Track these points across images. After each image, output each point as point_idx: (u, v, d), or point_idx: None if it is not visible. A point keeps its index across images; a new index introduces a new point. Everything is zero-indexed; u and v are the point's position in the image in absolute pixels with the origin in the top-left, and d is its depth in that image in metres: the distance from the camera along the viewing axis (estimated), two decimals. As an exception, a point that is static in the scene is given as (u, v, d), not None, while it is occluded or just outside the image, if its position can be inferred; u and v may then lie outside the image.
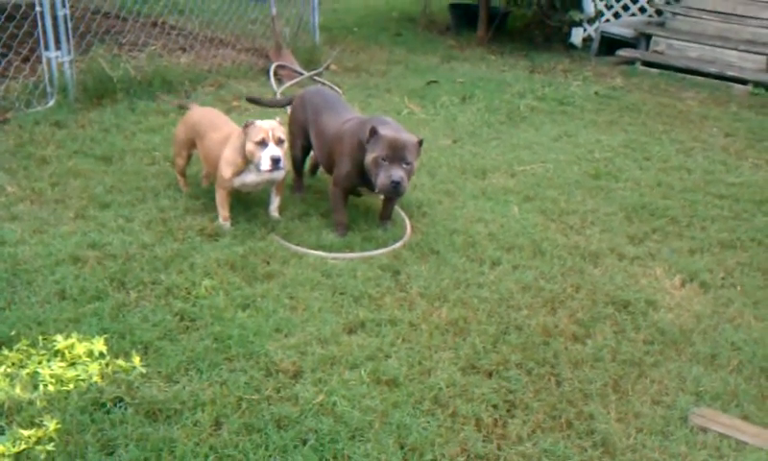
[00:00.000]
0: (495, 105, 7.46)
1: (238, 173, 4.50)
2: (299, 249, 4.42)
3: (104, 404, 3.08)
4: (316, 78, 8.15)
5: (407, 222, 4.85)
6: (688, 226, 5.11)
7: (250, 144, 4.40)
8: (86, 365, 3.27)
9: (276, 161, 4.37)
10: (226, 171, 4.50)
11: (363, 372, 3.38)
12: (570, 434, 3.14)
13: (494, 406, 3.25)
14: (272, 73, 8.05)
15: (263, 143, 4.36)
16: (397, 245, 4.55)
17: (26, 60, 7.00)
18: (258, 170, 4.43)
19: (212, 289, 3.94)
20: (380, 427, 3.07)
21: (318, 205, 5.03)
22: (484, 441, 3.06)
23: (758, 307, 4.19)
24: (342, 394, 3.22)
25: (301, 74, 8.15)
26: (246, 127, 4.43)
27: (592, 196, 5.47)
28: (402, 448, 2.99)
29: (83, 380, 3.18)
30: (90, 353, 3.34)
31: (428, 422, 3.13)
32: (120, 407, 3.07)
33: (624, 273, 4.45)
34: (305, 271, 4.20)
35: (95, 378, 3.20)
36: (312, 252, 4.40)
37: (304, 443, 2.96)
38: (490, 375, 3.46)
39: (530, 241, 4.71)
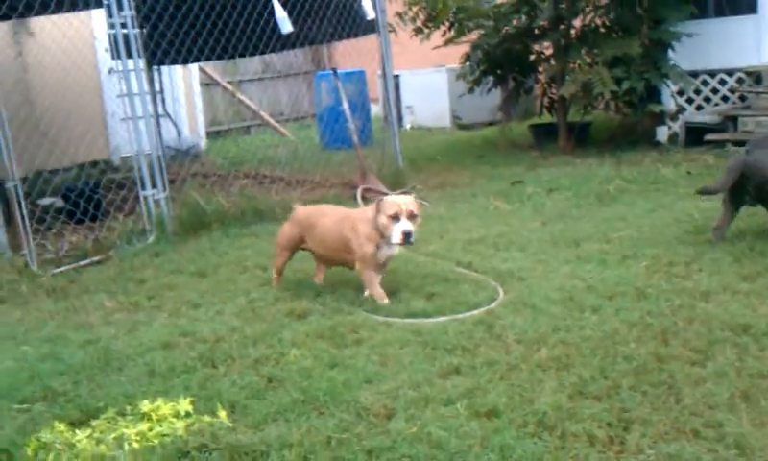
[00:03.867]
0: (583, 192, 7.30)
1: (378, 247, 4.55)
2: (388, 318, 4.29)
3: (187, 453, 2.95)
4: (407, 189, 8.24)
5: (499, 288, 4.67)
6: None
7: (383, 218, 4.46)
8: (172, 423, 3.17)
9: (407, 235, 4.41)
10: (368, 247, 4.55)
11: (459, 406, 3.15)
12: (698, 440, 2.78)
13: (608, 424, 2.94)
14: (359, 195, 8.19)
15: (396, 217, 4.41)
16: (493, 305, 4.36)
17: (124, 199, 7.41)
18: (389, 244, 4.49)
19: (300, 356, 3.83)
20: (480, 451, 2.80)
21: (400, 280, 4.92)
22: (599, 454, 2.74)
23: None
24: (437, 425, 2.99)
25: (387, 194, 8.27)
26: (379, 202, 4.52)
27: (695, 248, 5.15)
28: (507, 466, 2.71)
29: (167, 435, 3.08)
30: (176, 413, 3.25)
31: (534, 442, 2.84)
32: (204, 453, 2.93)
33: (740, 304, 4.09)
34: (395, 333, 4.05)
35: (180, 433, 3.09)
36: (402, 320, 4.26)
37: (398, 468, 2.73)
38: (599, 399, 3.15)
39: (633, 288, 4.42)
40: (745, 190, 5.13)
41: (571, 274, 4.83)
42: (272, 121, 15.47)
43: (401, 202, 4.47)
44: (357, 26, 9.34)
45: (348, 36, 9.65)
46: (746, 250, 4.99)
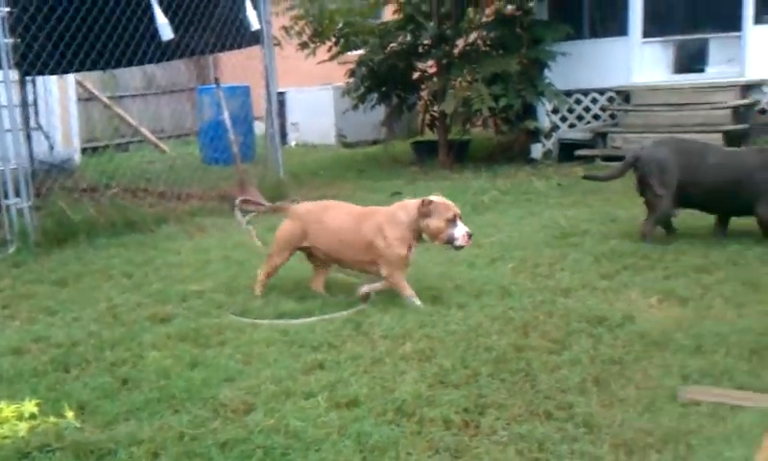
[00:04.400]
0: (459, 202, 7.25)
1: (409, 249, 4.36)
2: (256, 321, 4.20)
3: (29, 453, 2.77)
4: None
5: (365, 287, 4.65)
6: (660, 259, 4.96)
7: (437, 221, 4.25)
8: (15, 425, 2.98)
9: (470, 236, 4.28)
10: (400, 249, 4.32)
11: (320, 398, 3.11)
12: (550, 421, 2.85)
13: (465, 410, 2.98)
14: (237, 207, 8.05)
15: (454, 221, 4.26)
16: (363, 305, 4.34)
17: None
18: (454, 245, 4.27)
19: (160, 358, 3.68)
20: (338, 438, 2.77)
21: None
22: (453, 437, 2.76)
23: (741, 309, 3.99)
24: (296, 416, 2.94)
25: (264, 205, 8.16)
26: (426, 204, 4.28)
27: (560, 250, 5.33)
28: (362, 451, 2.68)
29: (8, 437, 2.88)
30: (20, 416, 3.04)
31: (392, 429, 2.84)
32: (47, 453, 2.76)
33: (597, 299, 4.27)
34: (261, 334, 3.96)
35: (22, 434, 2.90)
36: (269, 322, 4.18)
37: (251, 458, 2.65)
38: (458, 386, 3.18)
39: (498, 287, 4.52)
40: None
41: (441, 275, 4.89)
42: (151, 137, 15.05)
43: (453, 204, 4.36)
44: (241, 37, 9.17)
45: (232, 47, 9.48)
46: (607, 251, 5.20)
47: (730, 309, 3.97)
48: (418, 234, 4.33)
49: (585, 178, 5.81)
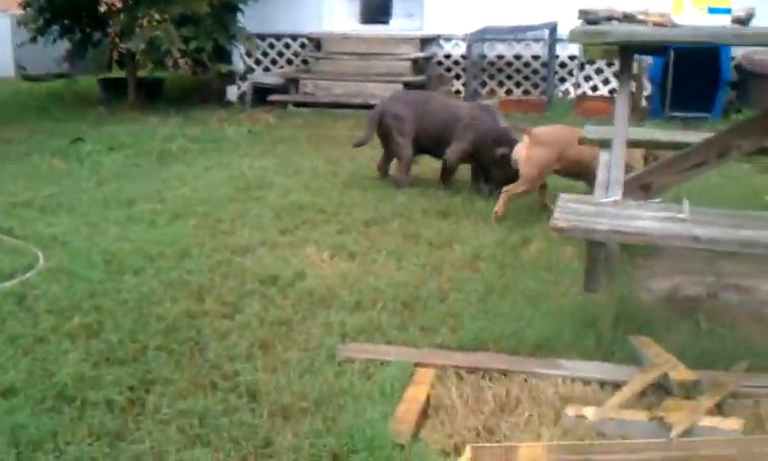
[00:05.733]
0: (145, 150, 7.19)
1: None
2: None
3: None
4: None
5: (40, 255, 4.38)
6: (336, 213, 5.25)
7: None
8: None
9: None
10: None
11: (-31, 392, 2.89)
12: (214, 393, 2.94)
13: (131, 388, 2.96)
14: None
15: None
16: (28, 274, 4.07)
17: None
18: None
19: None
20: (-11, 435, 2.61)
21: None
22: (116, 419, 2.75)
23: (401, 261, 4.36)
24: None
25: None
26: None
27: (243, 204, 5.42)
28: (17, 447, 2.57)
29: None
30: None
31: (51, 417, 2.74)
32: None
33: (273, 257, 4.42)
34: None
35: None
36: None
37: None
38: (125, 363, 3.15)
39: (177, 249, 4.48)
40: None
41: (119, 236, 4.73)
42: None
43: None
44: None
45: None
46: (287, 205, 5.39)
47: (391, 262, 4.34)
48: None
49: (355, 146, 6.34)
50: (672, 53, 8.67)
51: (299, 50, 10.99)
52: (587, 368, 3.09)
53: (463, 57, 10.09)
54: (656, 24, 3.50)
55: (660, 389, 2.91)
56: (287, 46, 11.03)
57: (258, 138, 7.96)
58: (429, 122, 5.86)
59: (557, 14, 9.68)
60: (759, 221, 3.02)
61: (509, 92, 10.49)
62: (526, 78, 10.45)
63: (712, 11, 3.37)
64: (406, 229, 4.94)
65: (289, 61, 11.08)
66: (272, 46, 11.03)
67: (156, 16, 9.71)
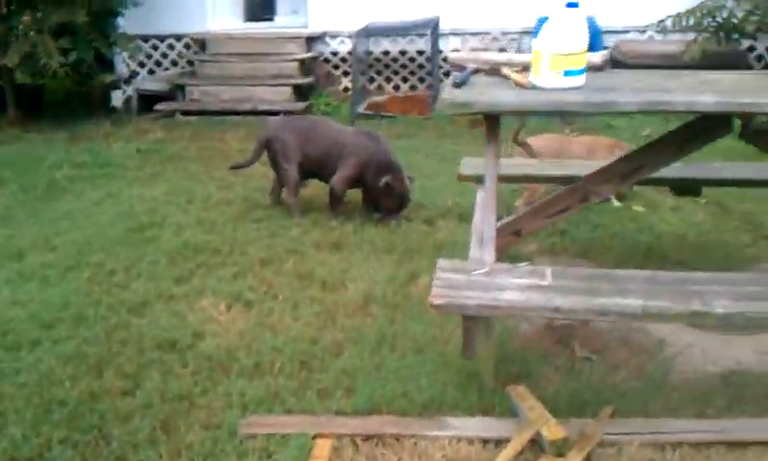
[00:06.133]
0: (31, 183, 7.04)
1: None
2: None
3: None
4: None
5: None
6: (231, 253, 5.35)
7: None
8: None
9: None
10: None
11: None
12: (119, 490, 3.06)
13: (37, 493, 3.04)
14: None
15: None
16: None
17: None
18: None
19: None
20: None
21: None
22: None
23: (297, 309, 4.53)
24: None
25: None
26: None
27: (136, 249, 5.44)
28: None
29: None
30: None
31: None
32: None
33: (170, 314, 4.49)
34: None
35: None
36: None
37: None
38: (30, 461, 3.22)
39: (73, 312, 4.47)
40: None
41: (13, 298, 4.70)
42: None
43: None
44: None
45: None
46: (182, 246, 5.45)
47: (287, 311, 4.49)
48: None
49: (231, 169, 6.52)
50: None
51: (183, 51, 10.86)
52: (470, 425, 3.36)
53: (350, 53, 10.23)
54: (517, 84, 3.76)
55: (536, 445, 3.24)
56: (171, 47, 10.89)
57: (147, 158, 7.91)
58: (314, 148, 6.03)
59: (438, 10, 9.95)
60: (615, 283, 3.35)
61: (396, 88, 10.74)
62: (412, 73, 10.71)
63: (568, 73, 3.60)
64: (300, 267, 5.10)
65: (174, 63, 10.93)
66: (155, 48, 10.86)
67: (32, 27, 9.39)
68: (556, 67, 3.55)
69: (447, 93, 3.65)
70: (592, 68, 4.06)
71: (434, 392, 3.59)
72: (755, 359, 3.95)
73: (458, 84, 3.76)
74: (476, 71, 4.07)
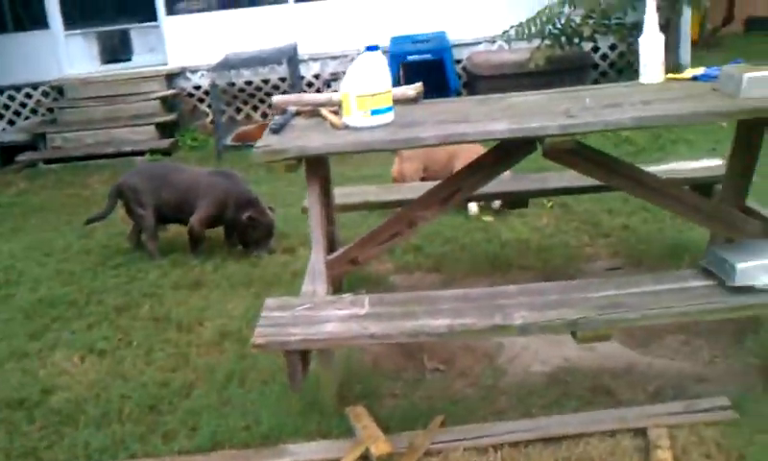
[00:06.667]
0: None
1: None
2: None
3: None
4: None
5: None
6: (87, 303, 5.38)
7: None
8: None
9: None
10: None
11: None
12: None
13: None
14: None
15: None
16: None
17: None
18: None
19: None
20: None
21: None
22: None
23: (150, 354, 4.61)
24: None
25: None
26: None
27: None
28: None
29: None
30: None
31: None
32: None
33: (23, 372, 4.50)
34: None
35: None
36: None
37: None
38: None
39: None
40: None
41: None
42: None
43: None
44: None
45: None
46: (37, 302, 5.45)
47: (140, 357, 4.58)
48: None
49: (87, 223, 6.54)
50: (402, 69, 9.46)
51: (42, 99, 10.70)
52: (308, 449, 3.55)
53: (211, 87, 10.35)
54: (332, 125, 3.99)
55: (367, 461, 3.46)
56: (29, 96, 10.72)
57: (9, 213, 7.79)
58: (168, 193, 6.13)
59: (295, 36, 10.18)
60: (428, 304, 3.63)
61: (264, 115, 10.90)
62: (278, 101, 10.87)
63: (375, 112, 3.84)
64: (157, 311, 5.18)
65: (34, 111, 10.75)
66: (12, 98, 10.64)
67: None
68: (363, 107, 3.79)
69: (264, 140, 3.84)
70: (408, 101, 4.37)
71: (276, 422, 3.76)
72: (578, 355, 4.27)
73: (276, 130, 3.96)
74: (298, 113, 4.29)
